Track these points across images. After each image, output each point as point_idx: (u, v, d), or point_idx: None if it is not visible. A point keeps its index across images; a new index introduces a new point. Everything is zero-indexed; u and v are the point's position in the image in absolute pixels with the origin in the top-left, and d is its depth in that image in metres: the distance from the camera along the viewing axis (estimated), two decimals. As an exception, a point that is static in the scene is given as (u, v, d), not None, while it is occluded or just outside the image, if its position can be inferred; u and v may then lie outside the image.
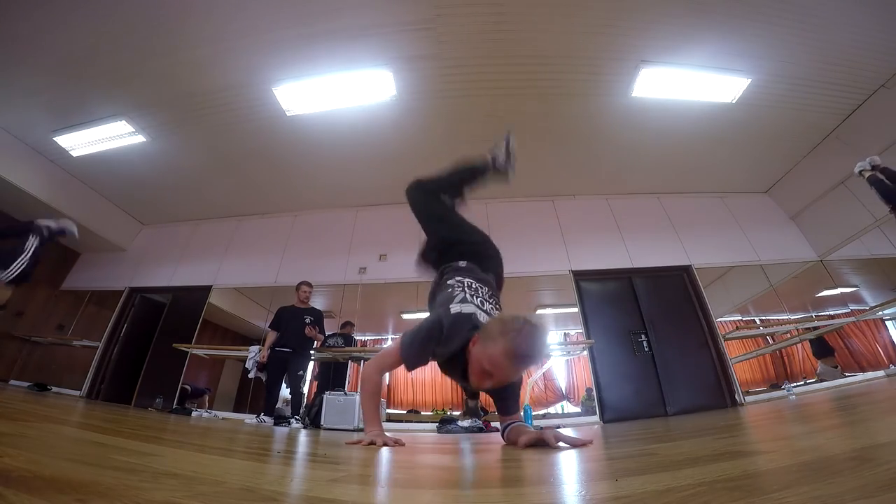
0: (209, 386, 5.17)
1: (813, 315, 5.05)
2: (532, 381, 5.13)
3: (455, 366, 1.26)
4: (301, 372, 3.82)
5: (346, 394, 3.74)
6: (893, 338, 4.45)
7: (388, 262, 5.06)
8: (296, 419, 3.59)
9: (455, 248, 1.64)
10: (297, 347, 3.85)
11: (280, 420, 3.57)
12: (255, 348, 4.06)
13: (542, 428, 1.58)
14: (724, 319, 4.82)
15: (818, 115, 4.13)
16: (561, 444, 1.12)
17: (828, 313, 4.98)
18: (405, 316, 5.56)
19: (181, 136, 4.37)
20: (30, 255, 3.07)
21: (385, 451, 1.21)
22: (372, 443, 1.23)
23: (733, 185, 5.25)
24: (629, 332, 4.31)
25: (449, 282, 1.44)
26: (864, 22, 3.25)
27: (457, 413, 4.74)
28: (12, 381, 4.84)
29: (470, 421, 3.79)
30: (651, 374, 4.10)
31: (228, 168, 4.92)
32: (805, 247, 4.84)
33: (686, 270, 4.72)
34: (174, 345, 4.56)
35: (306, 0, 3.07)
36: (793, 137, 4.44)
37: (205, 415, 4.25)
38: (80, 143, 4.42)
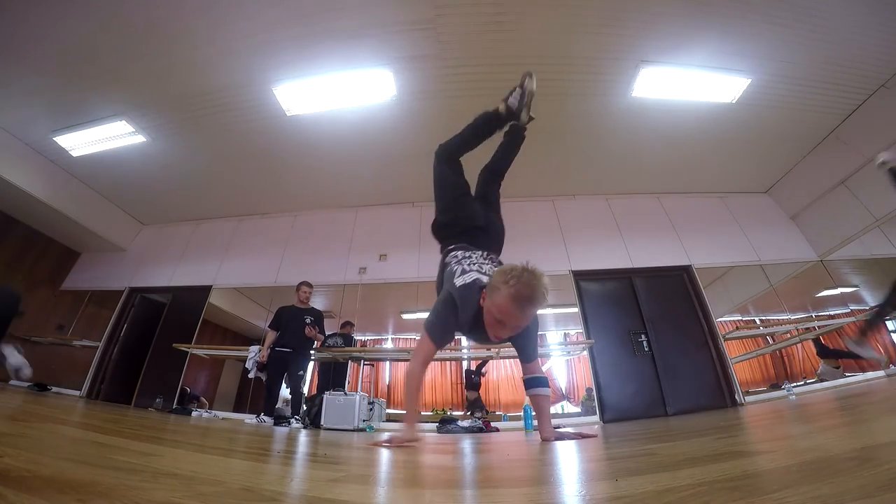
0: (204, 392, 5.17)
1: (813, 315, 5.05)
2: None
3: (478, 329, 1.37)
4: (301, 372, 3.82)
5: (346, 394, 3.74)
6: (893, 338, 4.45)
7: (388, 262, 5.05)
8: (296, 419, 3.59)
9: (450, 227, 1.74)
10: (297, 347, 3.85)
11: (280, 420, 3.57)
12: (255, 348, 4.06)
13: (557, 427, 1.77)
14: (724, 319, 4.82)
15: (818, 115, 4.13)
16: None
17: (828, 313, 4.98)
18: (405, 316, 5.56)
19: (181, 136, 4.37)
20: None
21: (385, 452, 1.21)
22: (401, 443, 1.26)
23: (733, 185, 5.25)
24: (629, 332, 4.31)
25: (446, 259, 1.59)
26: (865, 22, 3.24)
27: (457, 413, 4.74)
28: (12, 382, 4.83)
29: (470, 421, 3.79)
30: (651, 374, 4.09)
31: (228, 168, 4.91)
32: (805, 247, 4.84)
33: (686, 270, 4.72)
34: (174, 345, 4.56)
35: (306, 0, 3.07)
36: (793, 137, 4.44)
37: (205, 415, 4.25)
38: (80, 143, 4.41)
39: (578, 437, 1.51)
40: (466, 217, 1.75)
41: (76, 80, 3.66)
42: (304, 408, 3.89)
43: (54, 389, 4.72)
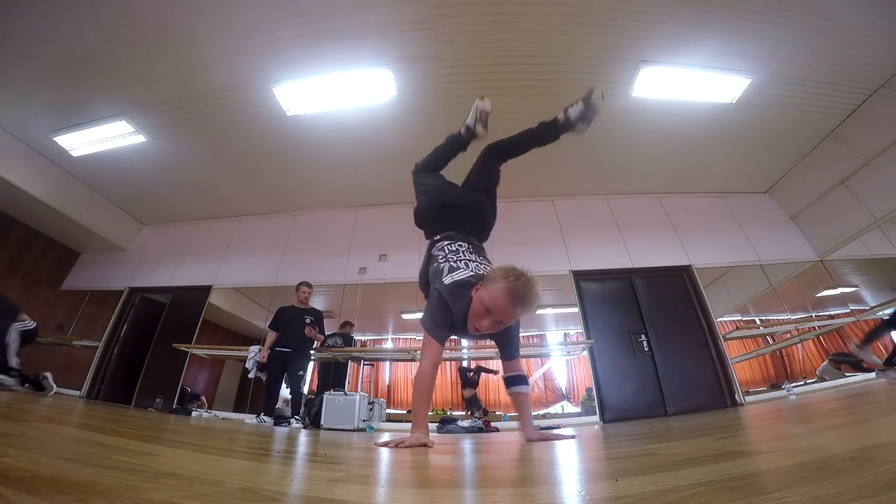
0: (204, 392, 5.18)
1: (813, 315, 5.05)
2: (532, 379, 5.13)
3: (465, 326, 1.38)
4: (301, 372, 3.82)
5: (346, 394, 3.74)
6: (893, 338, 4.45)
7: (388, 262, 5.06)
8: (296, 419, 3.59)
9: (429, 211, 1.76)
10: (297, 347, 3.85)
11: (280, 420, 3.57)
12: (255, 348, 4.06)
13: (541, 428, 1.79)
14: (724, 319, 4.82)
15: (818, 115, 4.13)
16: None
17: (828, 313, 4.98)
18: (405, 316, 5.56)
19: (181, 136, 4.37)
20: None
21: (384, 452, 1.21)
22: (415, 445, 1.22)
23: (733, 185, 5.25)
24: (629, 332, 4.31)
25: (433, 252, 1.59)
26: (864, 22, 3.24)
27: (457, 413, 4.75)
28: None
29: (470, 421, 3.79)
30: (651, 374, 4.09)
31: (228, 168, 4.91)
32: (805, 247, 4.84)
33: (686, 270, 4.72)
34: (174, 345, 4.56)
35: (306, 0, 3.07)
36: (793, 137, 4.44)
37: (205, 415, 4.25)
38: (80, 143, 4.41)
39: (558, 437, 1.54)
40: (446, 196, 1.76)
41: (76, 80, 3.66)
42: (305, 406, 3.89)
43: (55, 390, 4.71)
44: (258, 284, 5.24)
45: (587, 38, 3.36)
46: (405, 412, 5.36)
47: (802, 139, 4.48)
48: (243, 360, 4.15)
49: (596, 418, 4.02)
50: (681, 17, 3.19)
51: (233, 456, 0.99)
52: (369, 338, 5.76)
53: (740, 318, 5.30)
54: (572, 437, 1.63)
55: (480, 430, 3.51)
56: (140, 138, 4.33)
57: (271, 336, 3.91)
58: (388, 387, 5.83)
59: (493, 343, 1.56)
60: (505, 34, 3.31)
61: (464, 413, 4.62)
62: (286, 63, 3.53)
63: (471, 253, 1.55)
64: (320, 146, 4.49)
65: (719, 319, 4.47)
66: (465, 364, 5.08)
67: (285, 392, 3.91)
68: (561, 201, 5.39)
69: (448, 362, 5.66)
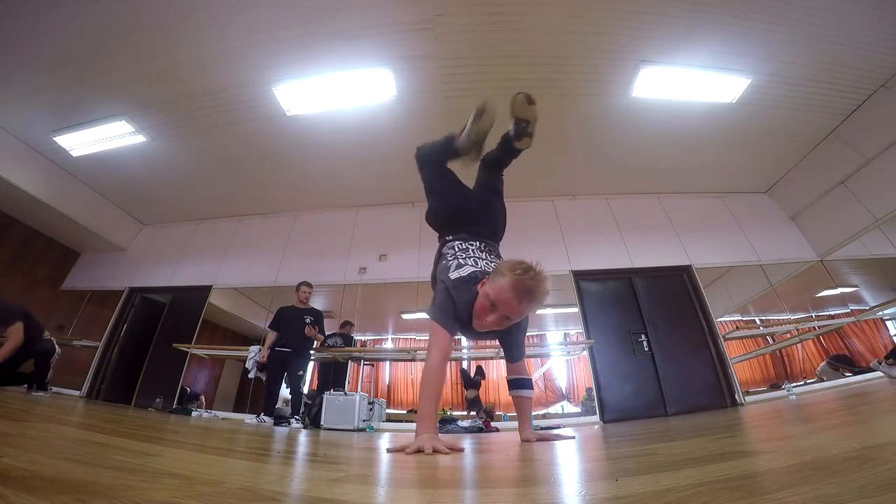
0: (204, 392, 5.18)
1: (813, 315, 5.05)
2: (532, 379, 5.13)
3: (469, 323, 1.35)
4: (301, 372, 3.82)
5: (346, 394, 3.74)
6: (893, 338, 4.45)
7: (388, 262, 5.06)
8: (296, 419, 3.59)
9: (442, 212, 1.74)
10: (297, 347, 3.85)
11: (280, 420, 3.57)
12: (255, 348, 4.06)
13: (541, 428, 1.80)
14: (724, 319, 4.82)
15: (818, 115, 4.13)
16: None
17: (828, 313, 4.98)
18: (405, 316, 5.56)
19: (181, 136, 4.37)
20: None
21: (384, 452, 1.20)
22: (419, 450, 1.04)
23: (733, 185, 5.25)
24: (629, 332, 4.31)
25: (443, 251, 1.57)
26: (864, 22, 3.24)
27: (457, 413, 4.74)
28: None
29: (470, 421, 3.79)
30: (651, 374, 4.09)
31: (228, 168, 4.91)
32: (805, 247, 4.84)
33: (686, 270, 4.72)
34: (174, 345, 4.56)
35: (306, 0, 3.07)
36: (793, 137, 4.44)
37: (205, 415, 4.25)
38: (80, 143, 4.41)
39: (556, 438, 1.50)
40: (458, 197, 1.73)
41: (76, 80, 3.66)
42: (305, 405, 3.89)
43: (54, 389, 4.71)
44: (258, 284, 5.24)
45: (587, 38, 3.36)
46: (405, 412, 5.37)
47: (802, 139, 4.48)
48: (243, 360, 4.15)
49: (596, 418, 4.02)
50: (681, 16, 3.19)
51: (233, 456, 0.99)
52: (369, 338, 5.76)
53: (740, 318, 5.30)
54: (571, 437, 1.62)
55: (480, 429, 3.51)
56: (140, 138, 4.33)
57: (271, 336, 3.91)
58: (388, 387, 5.83)
59: (493, 343, 1.53)
60: (505, 34, 3.31)
61: (464, 413, 4.62)
62: (286, 63, 3.53)
63: (481, 251, 1.51)
64: (320, 146, 4.49)
65: (719, 319, 4.47)
66: (464, 365, 5.08)
67: (285, 392, 3.91)
68: (561, 201, 5.39)
69: (449, 362, 5.66)
